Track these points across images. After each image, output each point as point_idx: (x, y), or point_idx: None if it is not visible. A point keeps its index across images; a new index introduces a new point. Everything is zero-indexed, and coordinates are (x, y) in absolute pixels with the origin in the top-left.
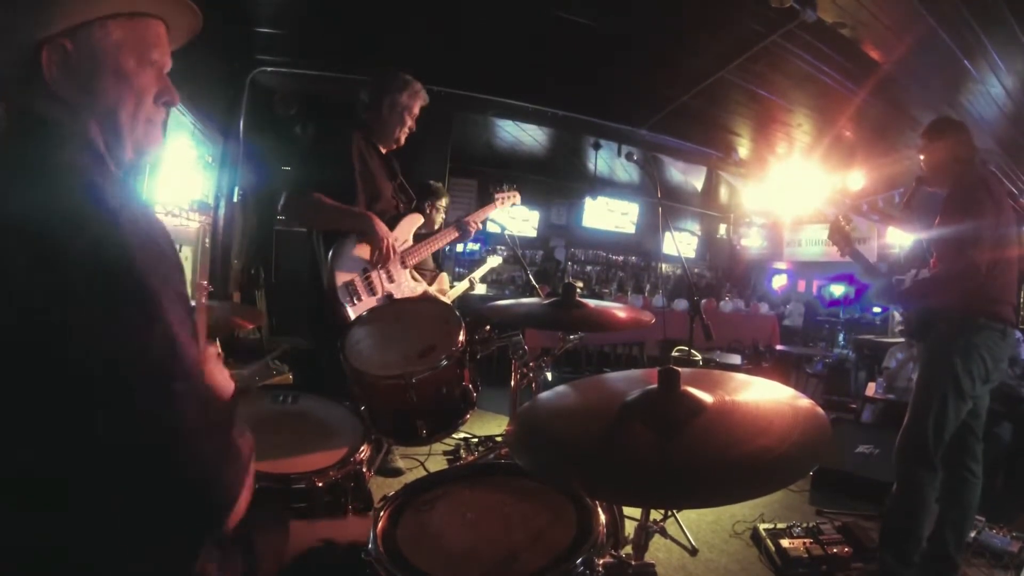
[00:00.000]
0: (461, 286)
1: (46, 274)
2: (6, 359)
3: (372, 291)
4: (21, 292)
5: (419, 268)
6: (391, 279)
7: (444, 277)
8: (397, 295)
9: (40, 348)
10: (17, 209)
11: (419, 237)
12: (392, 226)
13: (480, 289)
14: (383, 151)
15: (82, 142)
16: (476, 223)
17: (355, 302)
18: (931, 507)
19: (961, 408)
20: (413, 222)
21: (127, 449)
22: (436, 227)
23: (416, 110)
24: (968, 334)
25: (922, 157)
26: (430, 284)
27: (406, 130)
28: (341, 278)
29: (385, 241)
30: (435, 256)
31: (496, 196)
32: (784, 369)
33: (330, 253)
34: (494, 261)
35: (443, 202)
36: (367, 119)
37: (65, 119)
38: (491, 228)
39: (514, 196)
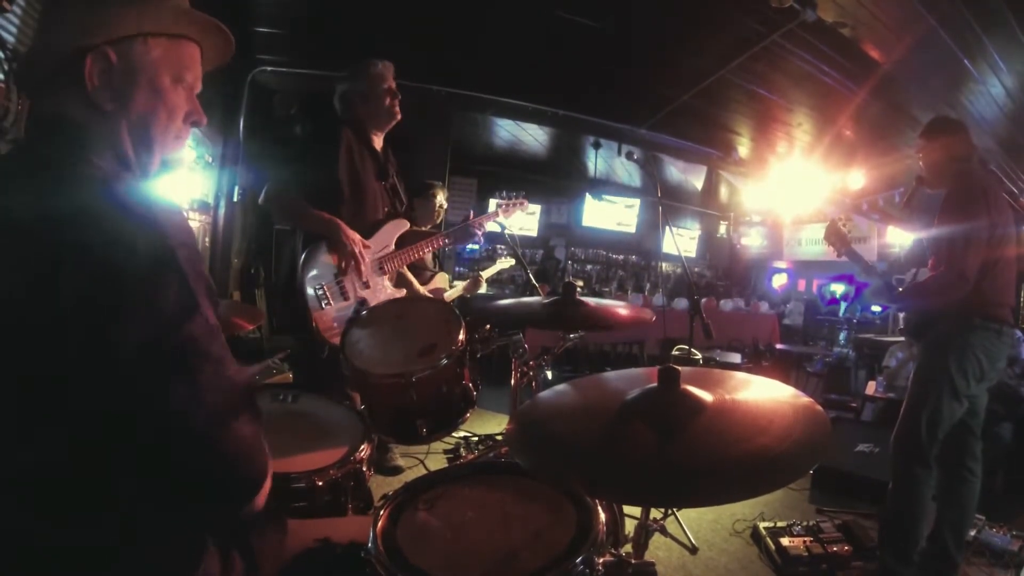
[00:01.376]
0: (459, 287)
1: (91, 276)
2: (25, 355)
3: (344, 296)
4: (63, 289)
5: (418, 268)
6: (366, 285)
7: (443, 277)
8: (371, 300)
9: (66, 345)
10: (48, 210)
11: (406, 241)
12: (372, 232)
13: (480, 288)
14: (378, 145)
15: (111, 148)
16: (483, 226)
17: (323, 306)
18: (928, 505)
19: (955, 408)
20: (396, 228)
21: (164, 438)
22: (438, 220)
23: (389, 81)
24: (964, 334)
25: (920, 156)
26: (426, 283)
27: (391, 102)
28: (312, 280)
29: (349, 248)
30: (435, 255)
31: (499, 205)
32: (784, 368)
33: (304, 254)
34: (505, 263)
35: (440, 199)
36: (353, 116)
37: (97, 125)
38: (490, 227)
39: (519, 204)
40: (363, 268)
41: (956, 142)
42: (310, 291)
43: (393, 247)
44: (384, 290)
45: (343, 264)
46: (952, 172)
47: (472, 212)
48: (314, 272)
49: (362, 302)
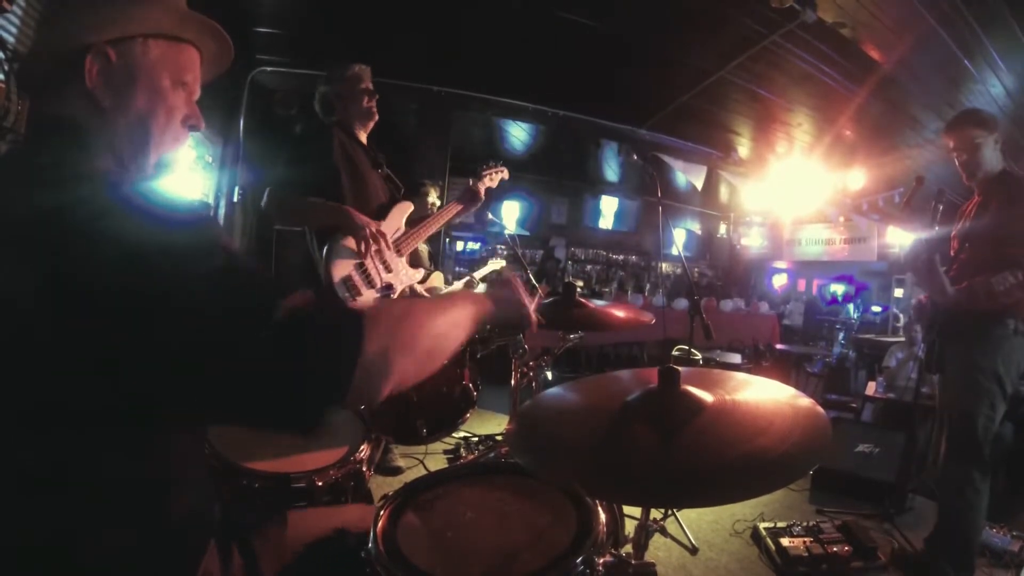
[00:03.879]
0: (456, 286)
1: (97, 274)
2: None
3: (370, 283)
4: (71, 287)
5: (414, 268)
6: (388, 269)
7: (438, 276)
8: (396, 284)
9: (89, 337)
10: (52, 208)
11: (415, 223)
12: (382, 215)
13: (480, 288)
14: (364, 140)
15: (109, 148)
16: (482, 189)
17: (354, 297)
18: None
19: (1001, 409)
20: (404, 210)
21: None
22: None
23: (366, 82)
24: (1010, 336)
25: (959, 147)
26: (422, 283)
27: (368, 101)
28: (338, 274)
29: (365, 230)
30: (432, 256)
31: (483, 174)
32: (784, 368)
33: (324, 249)
34: (496, 264)
35: (432, 197)
36: (337, 118)
37: (96, 124)
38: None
39: (501, 171)
40: (384, 244)
41: (998, 135)
42: (340, 286)
43: (404, 228)
44: (405, 271)
45: (362, 247)
46: (1000, 166)
47: (471, 180)
48: (339, 266)
49: (388, 287)
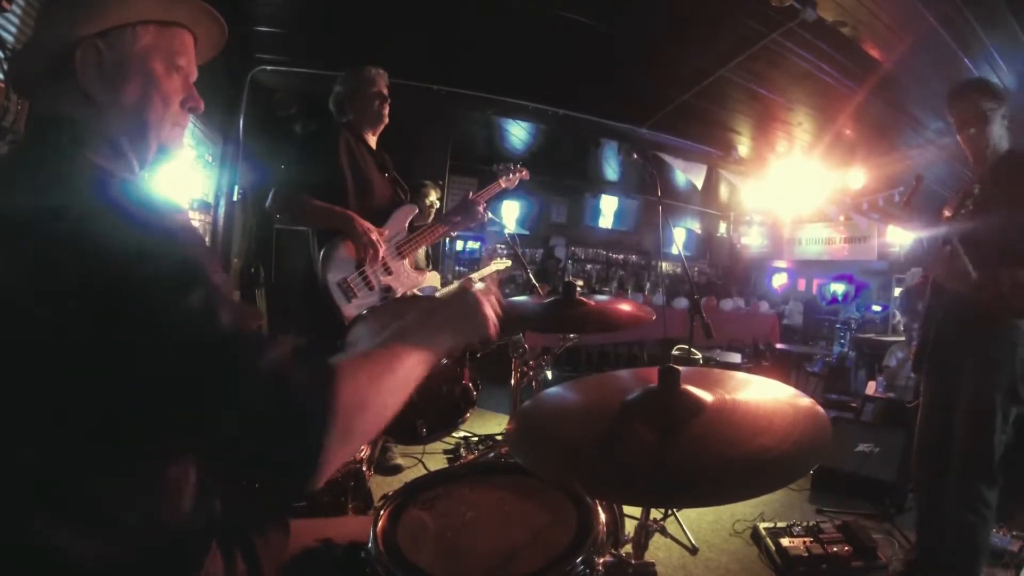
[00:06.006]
0: (452, 287)
1: (87, 273)
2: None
3: (369, 286)
4: (62, 288)
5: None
6: (388, 271)
7: (435, 276)
8: (396, 287)
9: (75, 338)
10: (43, 208)
11: (417, 228)
12: (385, 219)
13: (479, 288)
14: (373, 144)
15: (106, 141)
16: (483, 201)
17: (350, 300)
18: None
19: (1012, 417)
20: (407, 213)
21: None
22: (430, 218)
23: (380, 86)
24: (1020, 340)
25: (967, 121)
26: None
27: (379, 105)
28: (334, 276)
29: (366, 237)
30: (430, 256)
31: (499, 175)
32: (784, 368)
33: (322, 252)
34: (499, 264)
35: (432, 198)
36: (348, 119)
37: (91, 119)
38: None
39: (521, 172)
40: (380, 253)
41: (1006, 109)
42: (335, 288)
43: (407, 231)
44: (407, 273)
45: (361, 255)
46: (1006, 146)
47: (471, 192)
48: (335, 268)
49: (387, 289)
